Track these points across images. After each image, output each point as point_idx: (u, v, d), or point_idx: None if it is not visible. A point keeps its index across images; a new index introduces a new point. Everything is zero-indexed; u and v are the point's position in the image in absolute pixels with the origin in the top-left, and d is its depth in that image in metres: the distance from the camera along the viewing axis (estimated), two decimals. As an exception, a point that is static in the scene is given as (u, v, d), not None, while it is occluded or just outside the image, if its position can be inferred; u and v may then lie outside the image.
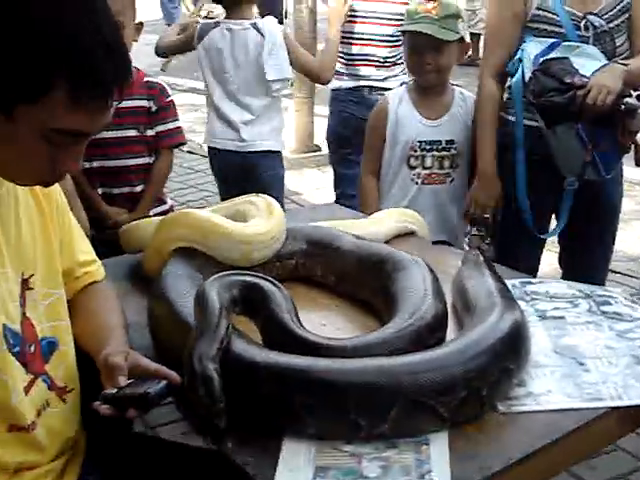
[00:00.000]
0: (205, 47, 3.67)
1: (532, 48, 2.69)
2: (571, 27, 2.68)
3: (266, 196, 2.06)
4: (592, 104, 2.50)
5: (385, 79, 3.89)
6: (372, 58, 3.92)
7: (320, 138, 6.72)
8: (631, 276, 4.28)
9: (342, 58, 3.97)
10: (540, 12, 2.73)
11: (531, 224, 2.84)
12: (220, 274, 1.64)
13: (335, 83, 4.03)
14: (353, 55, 3.96)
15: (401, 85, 3.10)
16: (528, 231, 2.88)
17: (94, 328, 1.64)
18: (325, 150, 6.60)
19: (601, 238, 3.03)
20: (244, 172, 3.73)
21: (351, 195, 3.83)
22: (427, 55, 2.85)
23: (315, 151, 6.65)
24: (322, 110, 7.11)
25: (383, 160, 3.01)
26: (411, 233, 2.36)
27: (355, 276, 1.95)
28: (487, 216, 2.97)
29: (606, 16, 2.71)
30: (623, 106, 2.51)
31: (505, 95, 2.89)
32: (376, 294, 1.86)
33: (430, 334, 1.61)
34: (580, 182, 2.78)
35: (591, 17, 2.69)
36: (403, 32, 2.97)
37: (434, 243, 2.43)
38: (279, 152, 3.84)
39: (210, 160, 3.97)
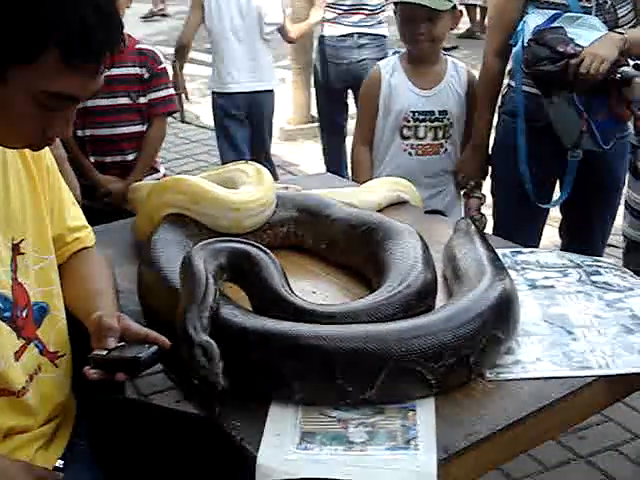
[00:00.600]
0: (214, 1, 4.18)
1: (533, 19, 2.66)
2: None
3: (255, 163, 2.06)
4: (585, 73, 2.47)
5: (372, 25, 4.52)
6: (366, 7, 4.50)
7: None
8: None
9: (338, 8, 4.54)
10: None
11: (532, 192, 2.83)
12: (207, 241, 1.64)
13: (328, 30, 4.62)
14: (349, 5, 4.52)
15: (394, 54, 3.07)
16: (529, 203, 2.86)
17: (85, 293, 1.64)
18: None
19: (602, 211, 3.02)
20: (250, 109, 4.35)
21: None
22: (421, 25, 2.82)
23: (312, 122, 6.61)
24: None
25: (376, 130, 2.99)
26: (404, 202, 2.35)
27: (345, 244, 1.94)
28: (473, 183, 3.00)
29: None
30: (619, 75, 2.49)
31: (511, 63, 2.88)
32: (366, 262, 1.86)
33: (419, 302, 1.61)
34: (583, 153, 2.76)
35: None
36: (395, 3, 2.93)
37: (427, 212, 2.42)
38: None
39: (215, 105, 4.41)
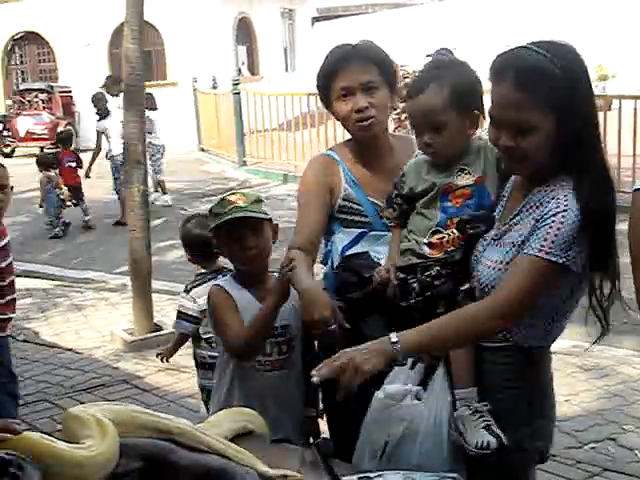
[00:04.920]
0: None
1: (340, 239, 2.74)
2: (376, 217, 2.73)
3: (95, 413, 1.96)
4: (392, 297, 2.49)
5: None
6: None
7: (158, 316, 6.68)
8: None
9: None
10: (346, 203, 2.77)
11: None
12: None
13: None
14: None
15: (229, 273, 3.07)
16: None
17: None
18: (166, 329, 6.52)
19: None
20: None
21: None
22: (248, 238, 2.84)
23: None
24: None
25: (220, 355, 2.97)
26: (249, 432, 2.34)
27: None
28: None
29: None
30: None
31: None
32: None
33: None
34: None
35: None
36: (218, 228, 2.91)
37: (274, 441, 2.40)
38: None
39: None
